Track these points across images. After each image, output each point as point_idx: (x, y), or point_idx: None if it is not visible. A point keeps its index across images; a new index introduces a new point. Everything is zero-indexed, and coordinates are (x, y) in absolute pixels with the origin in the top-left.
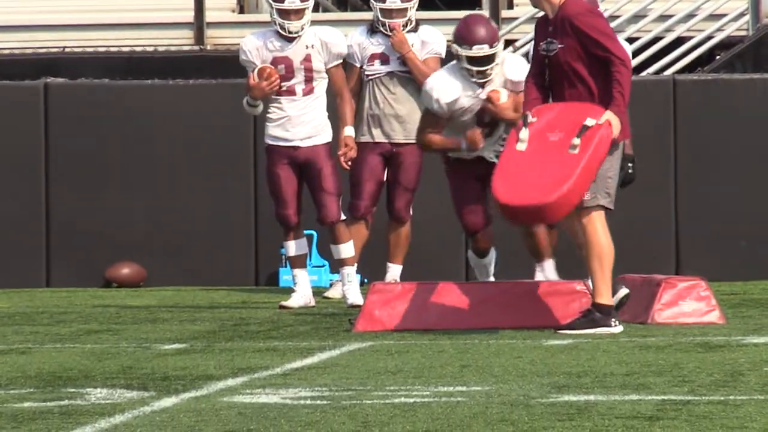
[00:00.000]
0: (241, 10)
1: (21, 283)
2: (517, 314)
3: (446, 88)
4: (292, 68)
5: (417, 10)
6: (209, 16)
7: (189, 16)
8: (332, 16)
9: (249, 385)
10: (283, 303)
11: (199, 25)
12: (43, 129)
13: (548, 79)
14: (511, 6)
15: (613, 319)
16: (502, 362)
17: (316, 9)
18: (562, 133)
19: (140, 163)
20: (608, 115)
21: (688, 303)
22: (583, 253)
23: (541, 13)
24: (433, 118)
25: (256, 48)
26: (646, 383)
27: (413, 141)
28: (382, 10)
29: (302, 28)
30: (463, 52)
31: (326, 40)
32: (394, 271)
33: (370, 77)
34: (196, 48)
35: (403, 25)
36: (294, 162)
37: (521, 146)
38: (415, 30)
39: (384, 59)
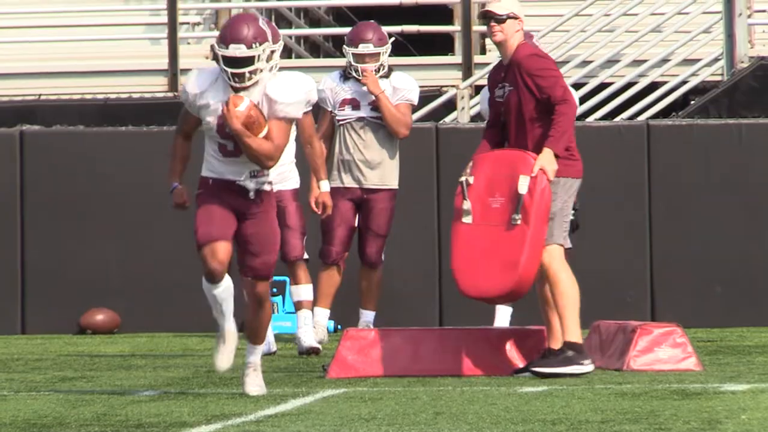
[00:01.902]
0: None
1: None
2: (491, 361)
3: (198, 79)
4: None
5: (390, 55)
6: (183, 63)
7: (163, 63)
8: (305, 62)
9: None
10: None
11: (173, 71)
12: (19, 176)
13: (504, 124)
14: (483, 51)
15: (586, 359)
16: (476, 409)
17: (288, 55)
18: (502, 198)
19: (114, 209)
20: (540, 161)
21: (664, 350)
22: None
23: (496, 62)
24: (187, 114)
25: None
26: (621, 431)
27: (384, 187)
28: (354, 54)
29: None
30: (220, 51)
31: None
32: (367, 317)
33: (341, 122)
34: (170, 95)
35: (375, 70)
36: None
37: (467, 219)
38: (387, 76)
39: (355, 104)
